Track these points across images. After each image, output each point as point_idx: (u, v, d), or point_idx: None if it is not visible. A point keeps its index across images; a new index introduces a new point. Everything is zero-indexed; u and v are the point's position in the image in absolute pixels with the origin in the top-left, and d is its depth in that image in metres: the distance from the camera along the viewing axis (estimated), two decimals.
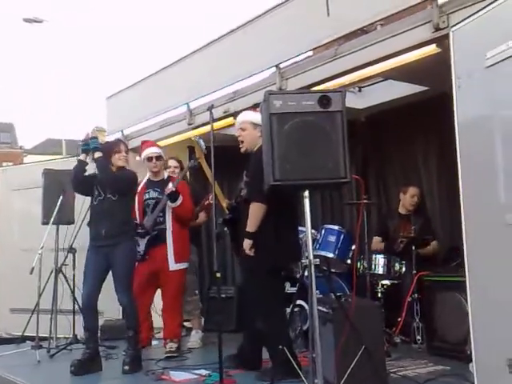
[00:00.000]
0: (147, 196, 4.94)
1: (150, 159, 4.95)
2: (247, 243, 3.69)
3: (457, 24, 3.13)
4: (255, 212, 3.67)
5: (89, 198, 4.88)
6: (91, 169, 4.57)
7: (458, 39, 3.09)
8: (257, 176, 3.45)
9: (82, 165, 4.51)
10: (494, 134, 2.85)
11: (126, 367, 4.21)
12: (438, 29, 3.54)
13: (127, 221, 4.49)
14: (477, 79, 2.91)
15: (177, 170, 5.42)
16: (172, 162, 5.48)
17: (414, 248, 4.79)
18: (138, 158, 5.27)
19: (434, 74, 3.96)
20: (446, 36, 3.27)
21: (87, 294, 4.36)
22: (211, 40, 5.46)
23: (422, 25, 3.68)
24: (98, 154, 4.43)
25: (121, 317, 6.04)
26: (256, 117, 3.75)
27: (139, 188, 4.90)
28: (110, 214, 4.38)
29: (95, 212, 4.49)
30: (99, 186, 4.45)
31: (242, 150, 3.89)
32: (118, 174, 4.45)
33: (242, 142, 3.92)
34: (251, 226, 3.68)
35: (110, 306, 5.42)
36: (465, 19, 3.05)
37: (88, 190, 4.55)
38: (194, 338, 5.26)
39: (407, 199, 5.29)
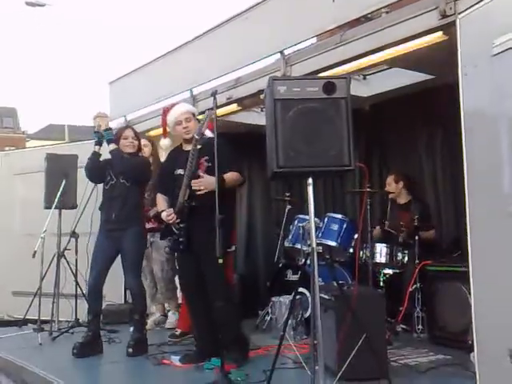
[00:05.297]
0: None
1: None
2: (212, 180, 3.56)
3: (464, 11, 3.10)
4: (236, 177, 3.82)
5: (92, 184, 4.88)
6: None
7: (465, 26, 3.06)
8: (230, 160, 3.77)
9: (96, 156, 4.52)
10: (500, 123, 2.82)
11: (130, 350, 4.24)
12: (444, 16, 3.47)
13: (138, 206, 4.52)
14: (483, 67, 2.88)
15: (146, 149, 5.20)
16: (142, 141, 5.20)
17: (417, 238, 4.76)
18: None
19: (440, 62, 3.92)
20: (453, 23, 3.24)
21: (94, 277, 4.39)
22: (215, 25, 5.42)
23: (428, 11, 3.61)
24: (112, 146, 4.45)
25: (123, 301, 6.10)
26: (194, 109, 4.16)
27: None
28: (122, 198, 4.42)
29: (107, 196, 4.52)
30: (111, 171, 4.47)
31: (189, 136, 3.90)
32: (134, 163, 4.46)
33: (189, 130, 3.95)
34: (228, 179, 3.72)
35: (112, 290, 5.45)
36: (472, 6, 3.02)
37: (102, 177, 4.56)
38: (172, 320, 5.36)
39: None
